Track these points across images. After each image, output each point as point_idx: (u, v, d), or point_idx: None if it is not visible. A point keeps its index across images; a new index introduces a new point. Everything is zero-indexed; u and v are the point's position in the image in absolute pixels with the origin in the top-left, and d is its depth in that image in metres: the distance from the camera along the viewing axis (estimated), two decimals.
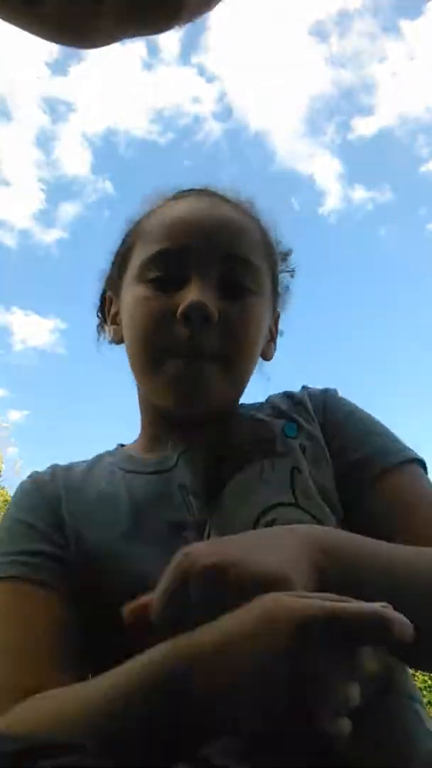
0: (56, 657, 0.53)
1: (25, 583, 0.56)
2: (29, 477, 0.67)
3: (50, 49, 29.08)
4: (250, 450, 0.63)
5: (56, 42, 0.30)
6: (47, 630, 0.54)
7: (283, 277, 0.75)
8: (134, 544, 0.57)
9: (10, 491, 18.18)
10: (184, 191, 0.72)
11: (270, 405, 0.70)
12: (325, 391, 0.71)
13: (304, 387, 0.72)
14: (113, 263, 0.73)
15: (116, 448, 0.73)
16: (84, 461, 0.70)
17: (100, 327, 0.77)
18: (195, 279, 0.61)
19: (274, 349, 0.74)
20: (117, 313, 0.72)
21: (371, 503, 0.60)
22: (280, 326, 0.75)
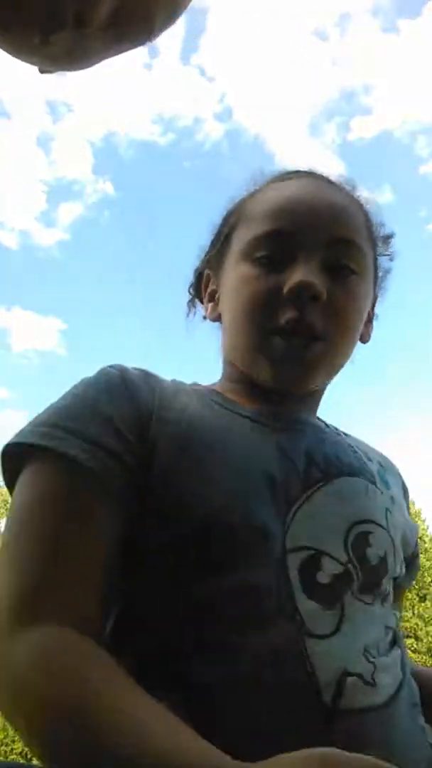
0: (97, 587, 0.48)
1: (85, 473, 0.50)
2: (114, 367, 0.61)
3: None
4: (358, 466, 0.63)
5: (61, 71, 0.33)
6: (101, 549, 0.49)
7: (383, 261, 0.75)
8: (225, 481, 0.54)
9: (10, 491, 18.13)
10: (289, 172, 0.72)
11: (353, 442, 0.70)
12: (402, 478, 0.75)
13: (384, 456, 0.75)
14: (213, 242, 0.73)
15: (192, 384, 0.69)
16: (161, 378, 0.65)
17: (191, 303, 0.77)
18: (302, 259, 0.61)
19: (371, 332, 0.74)
20: (215, 291, 0.72)
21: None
22: (376, 310, 0.76)
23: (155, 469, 0.53)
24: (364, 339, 0.72)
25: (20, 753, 12.66)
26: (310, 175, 0.71)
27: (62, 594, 0.46)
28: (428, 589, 12.23)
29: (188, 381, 0.70)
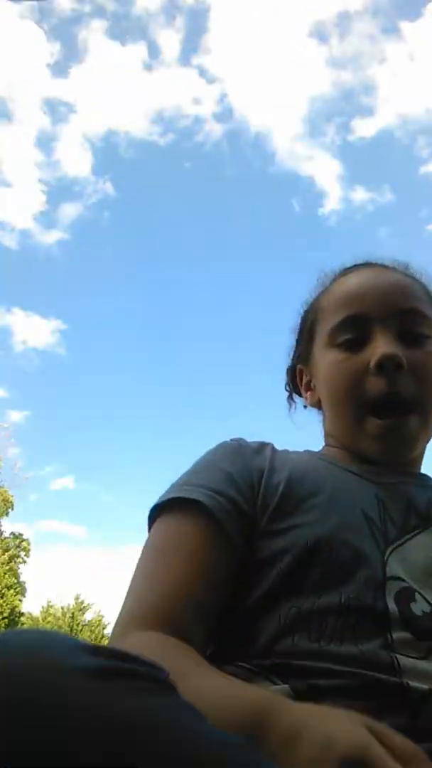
0: (201, 605, 0.56)
1: (205, 514, 0.59)
2: (233, 438, 0.71)
3: (51, 50, 29.12)
4: None
5: None
6: (209, 573, 0.57)
7: None
8: (329, 516, 0.61)
9: (10, 491, 18.25)
10: (349, 267, 0.80)
11: None
12: None
13: None
14: (298, 341, 0.82)
15: (305, 451, 0.77)
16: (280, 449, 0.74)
17: (290, 399, 0.85)
18: (379, 335, 0.68)
19: None
20: (310, 381, 0.79)
21: None
22: None
23: (268, 509, 0.61)
24: None
25: None
26: (368, 264, 0.80)
27: (167, 610, 0.54)
28: None
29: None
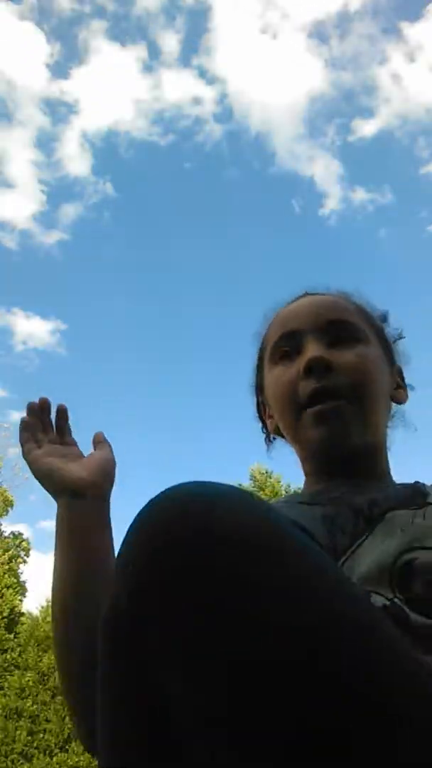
0: None
1: None
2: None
3: (51, 51, 29.18)
4: (404, 499, 0.67)
5: None
6: None
7: (391, 336, 0.86)
8: None
9: (10, 491, 18.28)
10: (290, 300, 0.85)
11: (421, 486, 0.74)
12: None
13: None
14: (255, 374, 0.86)
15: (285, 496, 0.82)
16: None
17: (267, 439, 0.87)
18: (308, 344, 0.73)
19: (407, 396, 0.84)
20: (268, 407, 0.83)
21: None
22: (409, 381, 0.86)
23: None
24: (400, 399, 0.82)
25: (20, 753, 12.64)
26: (303, 294, 0.84)
27: None
28: None
29: None
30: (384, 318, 0.86)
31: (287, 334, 0.76)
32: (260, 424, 0.88)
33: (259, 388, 0.86)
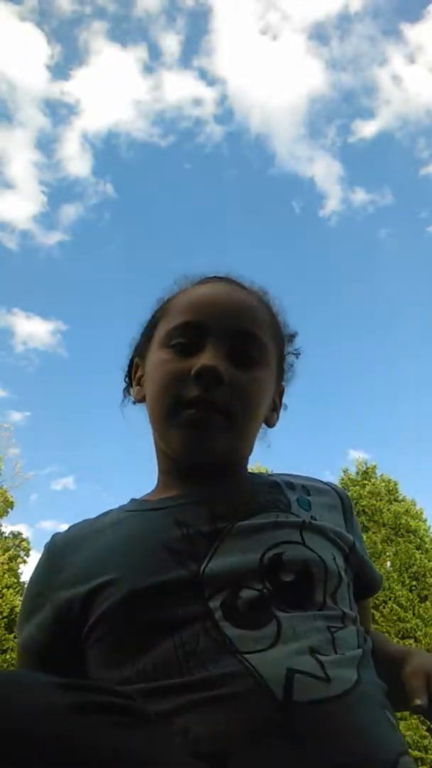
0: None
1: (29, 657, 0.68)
2: (46, 546, 0.74)
3: (51, 52, 29.19)
4: (264, 503, 0.69)
5: None
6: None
7: (289, 357, 0.85)
8: (125, 561, 0.64)
9: (10, 491, 18.31)
10: (208, 278, 0.83)
11: (281, 479, 0.76)
12: (346, 496, 0.80)
13: (326, 482, 0.81)
14: (142, 333, 0.84)
15: (130, 501, 0.79)
16: (98, 516, 0.77)
17: (126, 390, 0.87)
18: (209, 347, 0.70)
19: (277, 418, 0.83)
20: (142, 376, 0.81)
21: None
22: (284, 400, 0.85)
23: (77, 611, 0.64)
24: (270, 423, 0.82)
25: None
26: (224, 279, 0.82)
27: None
28: (429, 590, 12.23)
29: None
30: (291, 338, 0.85)
31: (190, 324, 0.73)
32: (126, 381, 0.87)
33: (139, 350, 0.84)
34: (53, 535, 0.75)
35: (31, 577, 0.72)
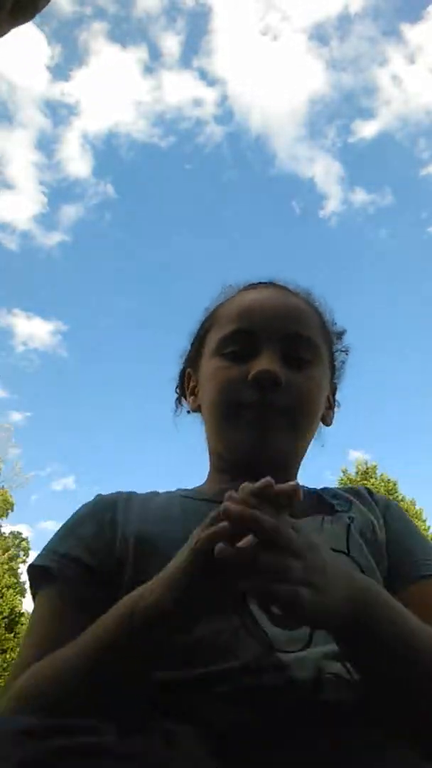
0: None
1: (56, 581, 0.65)
2: (95, 499, 0.75)
3: (52, 53, 29.17)
4: (309, 508, 0.70)
5: None
6: (70, 630, 0.60)
7: (339, 354, 0.86)
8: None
9: (10, 491, 18.30)
10: (253, 283, 0.84)
11: (323, 490, 0.77)
12: (388, 499, 0.80)
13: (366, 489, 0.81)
14: (192, 344, 0.85)
15: (176, 490, 0.80)
16: (150, 492, 0.77)
17: (178, 401, 0.88)
18: (264, 352, 0.72)
19: (333, 416, 0.84)
20: (195, 386, 0.82)
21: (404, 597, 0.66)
22: (337, 397, 0.86)
23: (127, 563, 0.65)
24: (326, 422, 0.82)
25: None
26: (269, 284, 0.83)
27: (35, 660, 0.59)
28: None
29: None
30: (340, 335, 0.86)
31: (242, 332, 0.74)
32: (177, 392, 0.88)
33: (191, 360, 0.84)
34: (99, 495, 0.76)
35: (78, 513, 0.72)
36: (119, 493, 0.74)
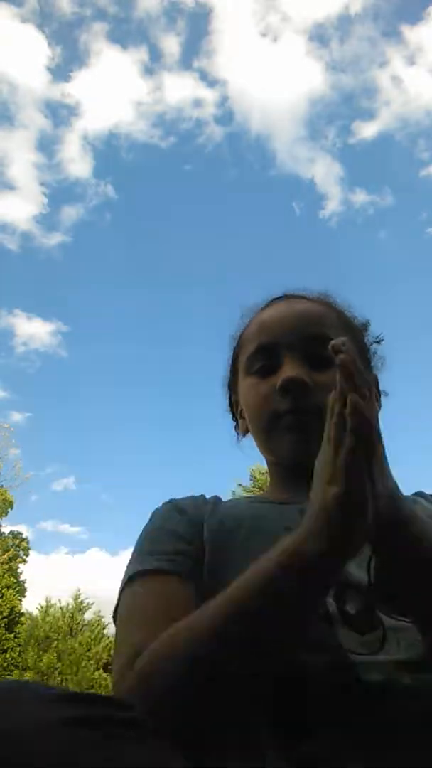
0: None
1: (171, 576, 0.66)
2: (166, 503, 0.77)
3: (52, 53, 29.23)
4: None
5: None
6: (182, 605, 0.61)
7: (372, 347, 0.87)
8: (252, 540, 0.67)
9: (10, 491, 18.30)
10: (268, 301, 0.86)
11: None
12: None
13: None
14: (229, 370, 0.89)
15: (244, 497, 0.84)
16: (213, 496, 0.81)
17: (236, 428, 0.91)
18: (287, 360, 0.75)
19: (380, 407, 0.84)
20: (242, 409, 0.85)
21: None
22: (386, 388, 0.87)
23: (209, 555, 0.68)
24: None
25: None
26: (284, 296, 0.86)
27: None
28: None
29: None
30: (365, 326, 0.87)
31: (264, 347, 0.77)
32: (234, 420, 0.91)
33: (232, 387, 0.88)
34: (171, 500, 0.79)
35: (155, 518, 0.74)
36: (191, 496, 0.78)
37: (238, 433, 0.90)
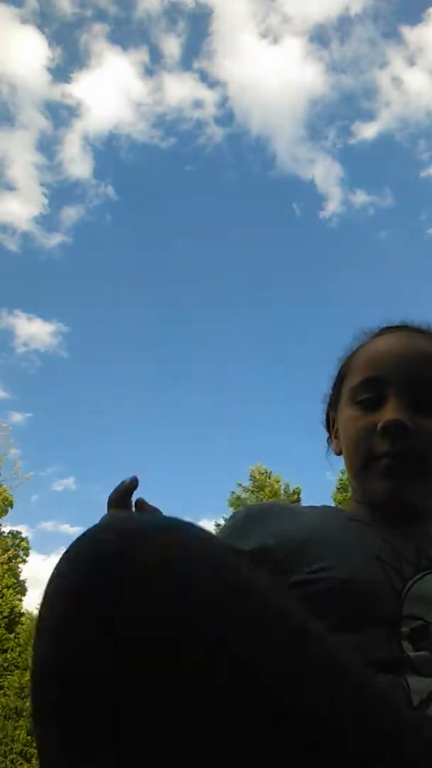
0: None
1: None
2: (239, 511, 0.81)
3: (52, 54, 29.26)
4: None
5: None
6: None
7: None
8: (338, 562, 0.67)
9: (10, 491, 18.31)
10: (384, 328, 0.86)
11: None
12: None
13: None
14: (332, 387, 0.88)
15: (322, 506, 0.85)
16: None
17: (328, 441, 0.92)
18: (392, 400, 0.74)
19: None
20: (338, 429, 0.86)
21: None
22: None
23: (283, 560, 0.69)
24: None
25: (20, 753, 12.67)
26: (400, 328, 0.85)
27: None
28: None
29: None
30: None
31: (371, 380, 0.77)
32: (328, 432, 0.92)
33: (332, 405, 0.88)
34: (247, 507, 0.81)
35: (227, 528, 0.77)
36: (270, 503, 0.81)
37: (330, 448, 0.91)
